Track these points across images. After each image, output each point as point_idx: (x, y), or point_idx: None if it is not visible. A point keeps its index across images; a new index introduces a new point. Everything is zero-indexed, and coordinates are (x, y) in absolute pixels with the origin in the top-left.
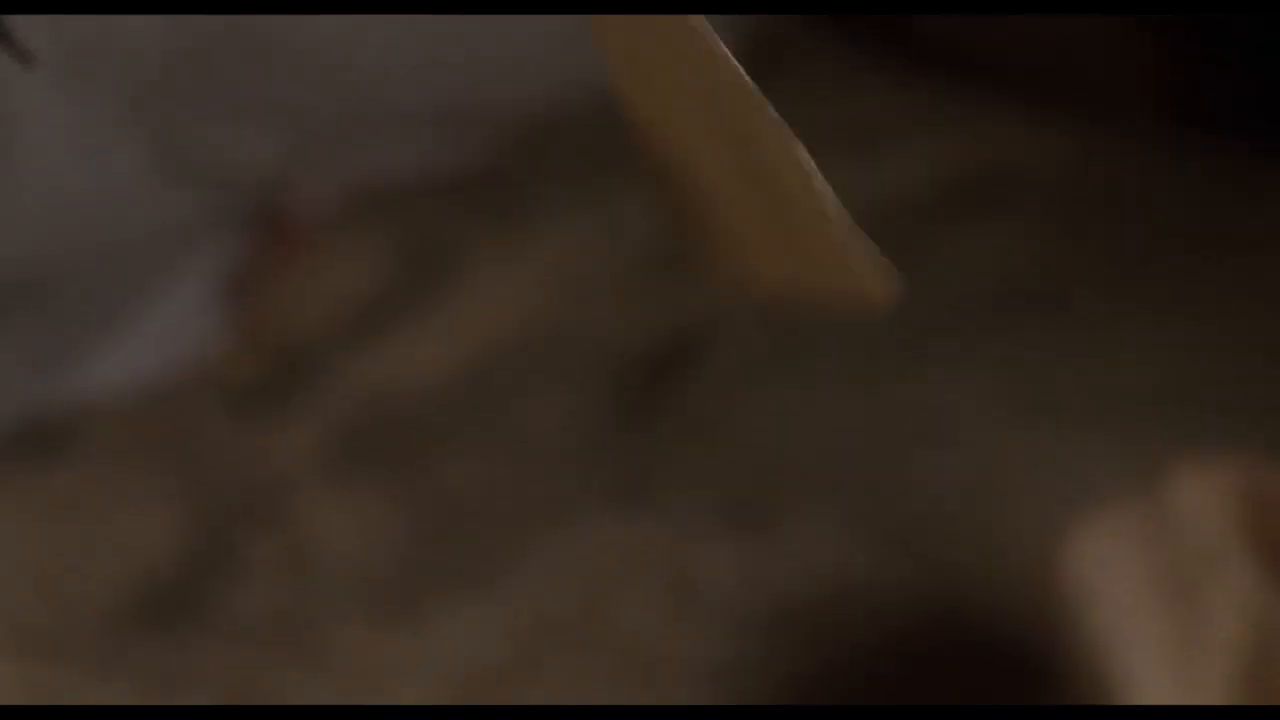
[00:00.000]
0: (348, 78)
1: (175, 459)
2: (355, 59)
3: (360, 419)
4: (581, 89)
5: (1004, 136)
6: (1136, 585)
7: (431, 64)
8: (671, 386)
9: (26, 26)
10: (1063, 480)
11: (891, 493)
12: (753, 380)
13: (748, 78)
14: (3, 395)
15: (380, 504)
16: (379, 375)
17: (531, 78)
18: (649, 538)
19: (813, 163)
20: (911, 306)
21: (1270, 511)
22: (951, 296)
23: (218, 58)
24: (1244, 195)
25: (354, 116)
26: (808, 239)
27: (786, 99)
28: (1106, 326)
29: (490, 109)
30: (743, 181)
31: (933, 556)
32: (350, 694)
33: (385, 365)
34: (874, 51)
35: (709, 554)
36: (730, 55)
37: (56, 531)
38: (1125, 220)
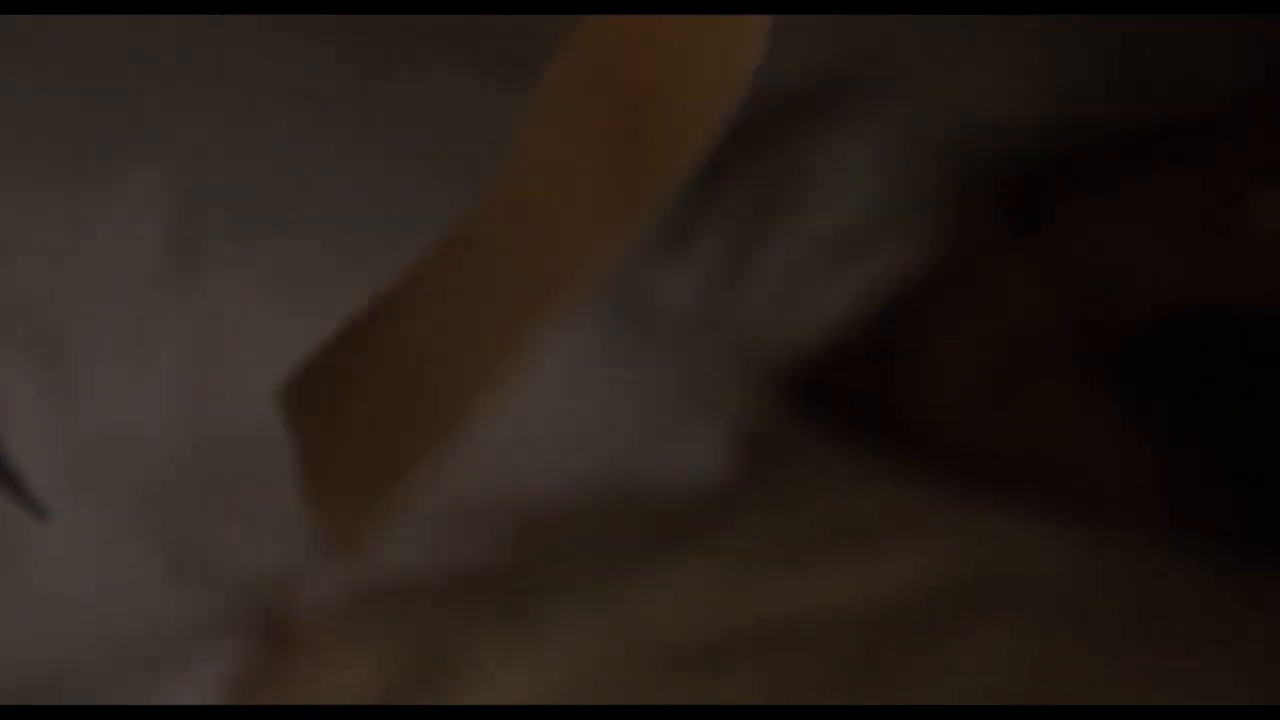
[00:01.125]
0: None
1: None
2: None
3: None
4: (587, 483)
5: (1002, 538)
6: None
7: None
8: None
9: (37, 438)
10: None
11: None
12: None
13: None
14: None
15: None
16: None
17: (538, 472)
18: None
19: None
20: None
21: None
22: (950, 702)
23: (223, 459)
24: (1245, 603)
25: None
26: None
27: (783, 497)
28: None
29: (496, 505)
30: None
31: None
32: None
33: None
34: (872, 448)
35: None
36: None
37: None
38: (1126, 626)
